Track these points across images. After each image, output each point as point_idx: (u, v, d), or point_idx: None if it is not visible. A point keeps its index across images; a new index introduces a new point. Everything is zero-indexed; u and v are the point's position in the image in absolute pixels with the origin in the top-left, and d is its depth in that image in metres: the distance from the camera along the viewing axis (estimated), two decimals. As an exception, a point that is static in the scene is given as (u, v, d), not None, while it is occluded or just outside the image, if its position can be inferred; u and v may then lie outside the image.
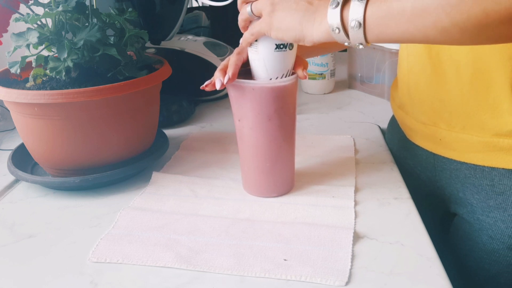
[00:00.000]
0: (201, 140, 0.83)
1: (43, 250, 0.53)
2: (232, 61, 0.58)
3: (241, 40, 0.58)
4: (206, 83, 0.59)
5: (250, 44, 0.57)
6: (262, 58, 0.57)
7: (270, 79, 0.57)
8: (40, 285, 0.48)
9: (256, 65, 0.58)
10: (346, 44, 0.50)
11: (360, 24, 0.46)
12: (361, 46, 0.49)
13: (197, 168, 0.72)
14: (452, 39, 0.44)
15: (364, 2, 0.46)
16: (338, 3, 0.47)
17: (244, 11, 0.55)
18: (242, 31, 0.58)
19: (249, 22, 0.56)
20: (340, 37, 0.49)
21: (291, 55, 0.57)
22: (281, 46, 0.56)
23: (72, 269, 0.50)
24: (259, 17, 0.54)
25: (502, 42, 0.44)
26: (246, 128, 0.60)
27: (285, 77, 0.58)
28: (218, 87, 0.57)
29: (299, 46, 0.59)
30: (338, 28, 0.48)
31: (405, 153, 0.75)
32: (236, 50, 0.59)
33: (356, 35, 0.48)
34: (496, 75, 0.57)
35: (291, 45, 0.57)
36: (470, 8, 0.40)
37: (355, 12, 0.46)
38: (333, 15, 0.48)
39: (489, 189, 0.61)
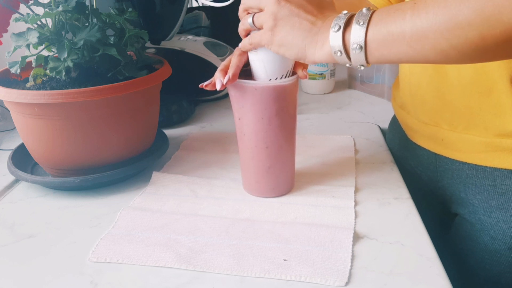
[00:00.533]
0: (201, 140, 0.83)
1: (43, 250, 0.53)
2: (233, 62, 0.58)
3: (240, 45, 0.58)
4: (206, 82, 0.59)
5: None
6: (262, 60, 0.57)
7: (270, 79, 0.57)
8: (40, 285, 0.48)
9: (256, 66, 0.58)
10: (347, 65, 0.50)
11: (361, 47, 0.47)
12: (362, 68, 0.50)
13: (197, 168, 0.72)
14: (451, 60, 0.45)
15: (365, 26, 0.47)
16: (340, 27, 0.48)
17: (245, 22, 0.55)
18: (242, 38, 0.58)
19: (249, 31, 0.56)
20: (342, 59, 0.49)
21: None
22: None
23: (72, 269, 0.50)
24: (259, 29, 0.54)
25: (500, 59, 0.46)
26: (246, 127, 0.60)
27: (285, 77, 0.58)
28: (218, 87, 0.57)
29: None
30: (340, 51, 0.49)
31: (406, 153, 0.75)
32: (237, 51, 0.59)
33: (357, 58, 0.48)
34: (499, 75, 0.57)
35: None
36: (468, 32, 0.41)
37: (356, 35, 0.47)
38: (335, 38, 0.48)
39: (491, 190, 0.61)
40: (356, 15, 0.48)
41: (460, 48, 0.43)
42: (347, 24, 0.48)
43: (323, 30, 0.50)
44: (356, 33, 0.47)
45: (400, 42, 0.45)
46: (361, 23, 0.47)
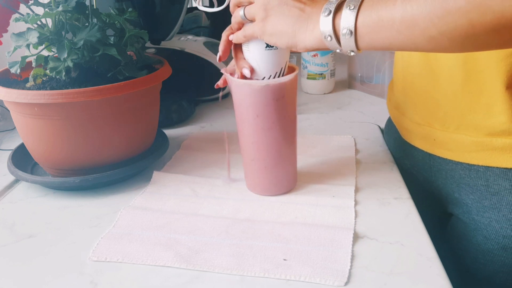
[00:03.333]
0: (202, 140, 0.84)
1: (43, 250, 0.53)
2: (222, 39, 0.60)
3: (233, 38, 0.58)
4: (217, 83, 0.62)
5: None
6: (254, 57, 0.57)
7: (263, 78, 0.58)
8: (40, 285, 0.48)
9: (250, 63, 0.58)
10: (338, 51, 0.51)
11: (351, 32, 0.47)
12: (352, 53, 0.50)
13: (197, 168, 0.72)
14: (440, 48, 0.45)
15: (356, 10, 0.47)
16: (330, 11, 0.48)
17: (237, 15, 0.56)
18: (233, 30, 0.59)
19: (242, 24, 0.57)
20: (332, 44, 0.50)
21: (282, 53, 0.58)
22: (271, 45, 0.56)
23: (72, 269, 0.50)
24: (252, 21, 0.55)
25: (488, 49, 0.46)
26: (247, 125, 0.60)
27: (280, 75, 0.58)
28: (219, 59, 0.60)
29: None
30: (330, 36, 0.49)
31: (402, 153, 0.75)
32: (226, 31, 0.60)
33: (347, 43, 0.48)
34: (489, 76, 0.57)
35: None
36: (457, 19, 0.41)
37: (346, 20, 0.47)
38: (325, 23, 0.49)
39: (484, 190, 0.61)
40: (347, 0, 0.48)
41: (449, 35, 0.43)
42: (338, 9, 0.48)
43: (313, 16, 0.50)
44: (347, 17, 0.47)
45: (390, 28, 0.45)
46: (352, 7, 0.47)
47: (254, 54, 0.57)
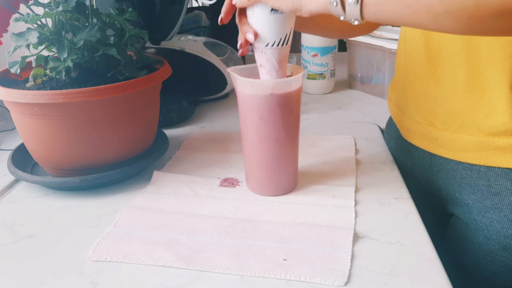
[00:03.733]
0: (202, 140, 0.83)
1: (43, 250, 0.53)
2: (225, 2, 0.58)
3: (236, 0, 0.57)
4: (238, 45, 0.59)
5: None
6: (259, 22, 0.56)
7: (267, 44, 0.57)
8: (40, 285, 0.48)
9: (254, 29, 0.57)
10: (341, 18, 0.50)
11: (357, 0, 0.47)
12: (356, 22, 0.50)
13: (198, 168, 0.72)
14: (443, 27, 0.45)
15: None
16: None
17: None
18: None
19: None
20: (337, 10, 0.50)
21: (287, 18, 0.57)
22: (276, 9, 0.56)
23: (72, 269, 0.50)
24: None
25: (491, 35, 0.47)
26: (250, 127, 0.60)
27: (284, 42, 0.57)
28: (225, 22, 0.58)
29: (296, 18, 0.58)
30: (336, 2, 0.49)
31: (402, 154, 0.75)
32: None
33: (352, 11, 0.48)
34: (492, 76, 0.57)
35: None
36: (465, 0, 0.42)
37: None
38: None
39: (485, 190, 0.61)
40: None
41: (455, 15, 0.43)
42: None
43: None
44: None
45: (397, 0, 0.45)
46: None
47: (258, 19, 0.56)
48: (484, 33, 0.46)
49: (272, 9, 0.55)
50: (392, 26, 1.11)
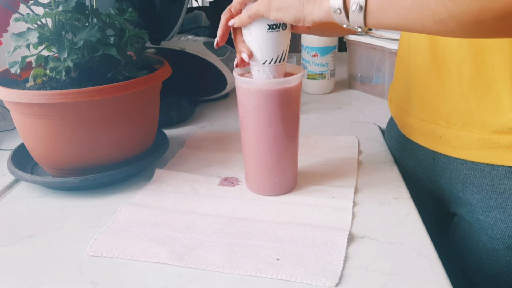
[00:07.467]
0: (206, 139, 0.84)
1: (43, 250, 0.53)
2: (220, 23, 0.58)
3: (235, 21, 0.57)
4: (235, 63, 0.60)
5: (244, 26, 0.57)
6: (256, 40, 0.56)
7: (265, 61, 0.57)
8: (40, 285, 0.48)
9: (251, 48, 0.57)
10: (345, 26, 0.50)
11: (361, 7, 0.48)
12: (359, 29, 0.50)
13: (200, 166, 0.72)
14: (447, 31, 0.45)
15: None
16: None
17: None
18: (233, 12, 0.58)
19: (244, 4, 0.56)
20: (341, 18, 0.50)
21: (284, 36, 0.57)
22: (274, 27, 0.55)
23: (72, 269, 0.50)
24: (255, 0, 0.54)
25: (494, 37, 0.47)
26: (249, 126, 0.60)
27: (281, 59, 0.57)
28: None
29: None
30: (340, 9, 0.49)
31: (404, 154, 0.75)
32: (225, 14, 0.58)
33: (356, 18, 0.49)
34: (498, 73, 0.57)
35: (284, 25, 0.56)
36: (468, 3, 0.42)
37: None
38: None
39: (489, 189, 0.61)
40: None
41: (458, 19, 0.43)
42: None
43: None
44: None
45: (401, 6, 0.46)
46: None
47: (255, 37, 0.56)
48: (488, 36, 0.46)
49: (269, 28, 0.55)
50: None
